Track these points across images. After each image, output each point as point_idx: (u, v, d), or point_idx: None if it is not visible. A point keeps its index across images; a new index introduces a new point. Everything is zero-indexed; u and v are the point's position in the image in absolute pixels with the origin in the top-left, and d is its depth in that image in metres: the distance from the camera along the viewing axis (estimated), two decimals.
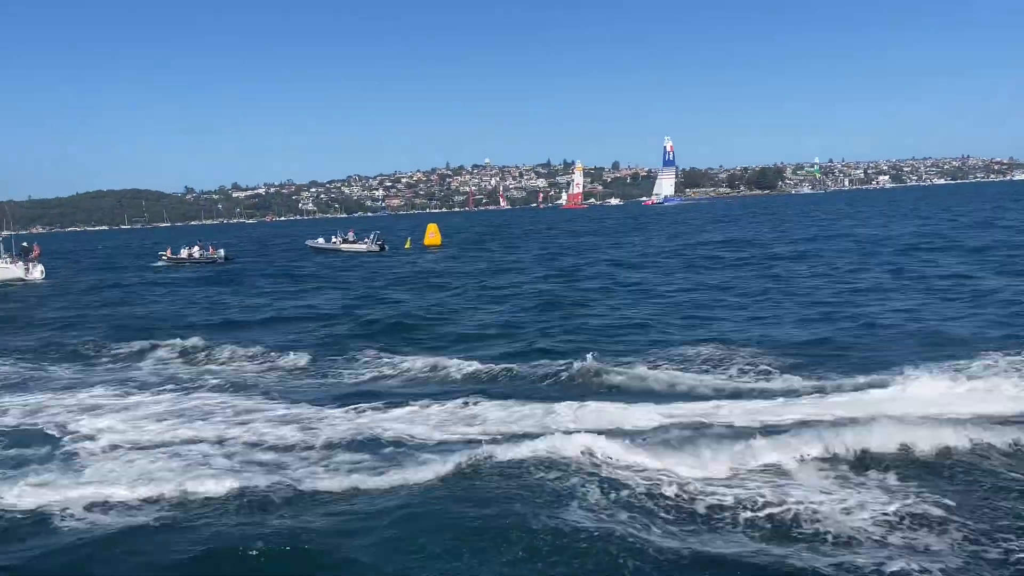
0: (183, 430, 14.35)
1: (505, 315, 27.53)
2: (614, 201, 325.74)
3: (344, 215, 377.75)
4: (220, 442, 13.56)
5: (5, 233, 56.82)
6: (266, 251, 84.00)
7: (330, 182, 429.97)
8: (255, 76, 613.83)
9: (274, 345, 22.75)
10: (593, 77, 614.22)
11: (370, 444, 13.22)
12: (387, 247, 70.30)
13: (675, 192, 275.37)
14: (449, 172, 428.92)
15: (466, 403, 15.41)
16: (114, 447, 13.48)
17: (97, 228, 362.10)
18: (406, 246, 76.29)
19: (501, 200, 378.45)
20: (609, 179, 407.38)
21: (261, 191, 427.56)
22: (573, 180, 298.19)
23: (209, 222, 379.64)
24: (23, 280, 51.05)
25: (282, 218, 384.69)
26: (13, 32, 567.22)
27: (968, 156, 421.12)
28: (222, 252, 66.05)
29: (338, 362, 20.43)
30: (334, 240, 71.15)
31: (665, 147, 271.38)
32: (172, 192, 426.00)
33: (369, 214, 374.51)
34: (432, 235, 77.82)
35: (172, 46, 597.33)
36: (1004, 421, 12.57)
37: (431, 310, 29.47)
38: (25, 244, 56.27)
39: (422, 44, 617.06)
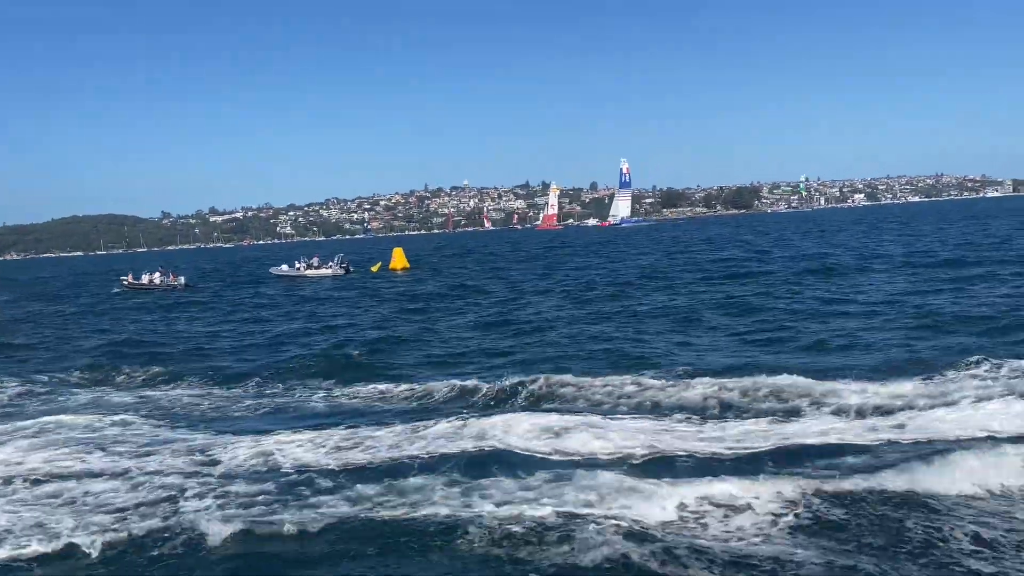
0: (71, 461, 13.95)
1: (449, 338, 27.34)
2: (592, 221, 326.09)
3: (323, 238, 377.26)
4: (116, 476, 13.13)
5: None
6: (236, 276, 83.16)
7: (308, 205, 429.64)
8: (232, 100, 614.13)
9: (196, 372, 22.43)
10: (571, 97, 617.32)
11: (271, 474, 12.93)
12: (352, 269, 69.84)
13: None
14: (428, 194, 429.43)
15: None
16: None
17: (73, 254, 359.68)
18: (373, 269, 75.85)
19: (486, 221, 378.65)
20: (587, 199, 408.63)
21: (239, 215, 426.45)
22: (548, 202, 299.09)
23: (186, 247, 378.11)
24: None
25: (260, 242, 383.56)
26: None
27: (942, 174, 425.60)
28: (182, 279, 65.29)
29: (249, 390, 20.31)
30: (298, 266, 70.09)
31: (621, 169, 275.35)
32: (149, 217, 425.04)
33: (347, 237, 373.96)
34: (398, 259, 77.48)
35: (146, 70, 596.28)
36: None
37: (373, 335, 29.14)
38: None
39: (400, 66, 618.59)
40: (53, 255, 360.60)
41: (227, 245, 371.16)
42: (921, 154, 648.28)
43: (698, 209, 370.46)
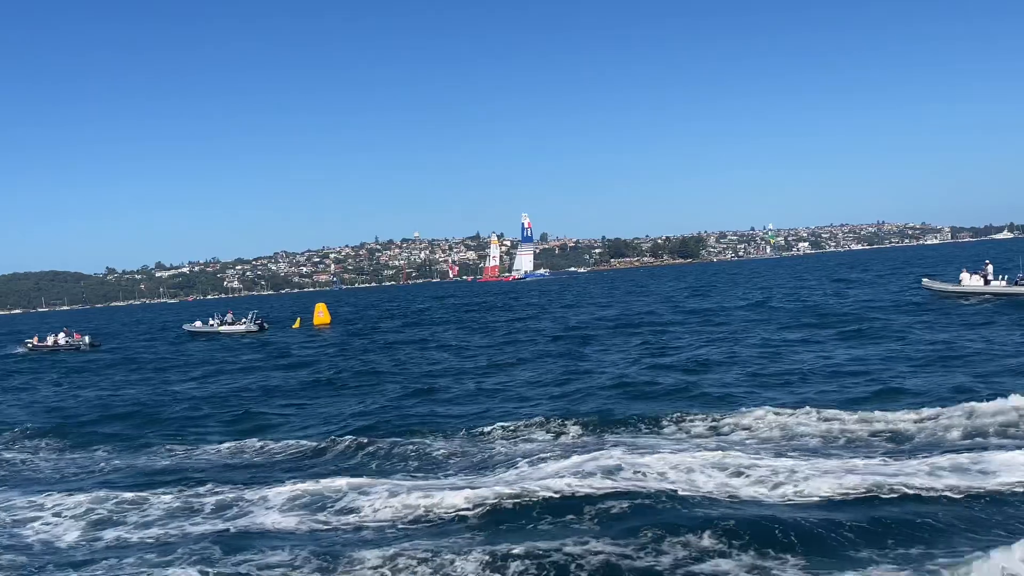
0: None
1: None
2: (542, 271, 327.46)
3: (271, 292, 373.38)
4: None
5: None
6: (156, 335, 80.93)
7: (256, 259, 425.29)
8: (180, 153, 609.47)
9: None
10: (520, 147, 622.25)
11: None
12: (267, 326, 68.49)
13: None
14: (378, 246, 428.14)
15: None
16: None
17: (12, 312, 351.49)
18: (294, 326, 74.46)
19: (451, 272, 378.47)
20: (538, 250, 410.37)
21: (185, 270, 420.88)
22: (490, 253, 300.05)
23: (133, 302, 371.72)
24: None
25: (208, 296, 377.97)
26: None
27: (883, 221, 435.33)
28: (87, 339, 63.43)
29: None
30: (211, 322, 68.91)
31: (523, 223, 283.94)
32: (93, 273, 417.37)
33: (296, 290, 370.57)
34: (321, 314, 76.14)
35: (91, 123, 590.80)
36: None
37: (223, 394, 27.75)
38: None
39: (346, 117, 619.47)
40: None
41: (172, 301, 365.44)
42: (863, 202, 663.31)
43: (645, 259, 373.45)
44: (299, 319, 79.13)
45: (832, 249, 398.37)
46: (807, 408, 18.32)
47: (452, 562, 10.32)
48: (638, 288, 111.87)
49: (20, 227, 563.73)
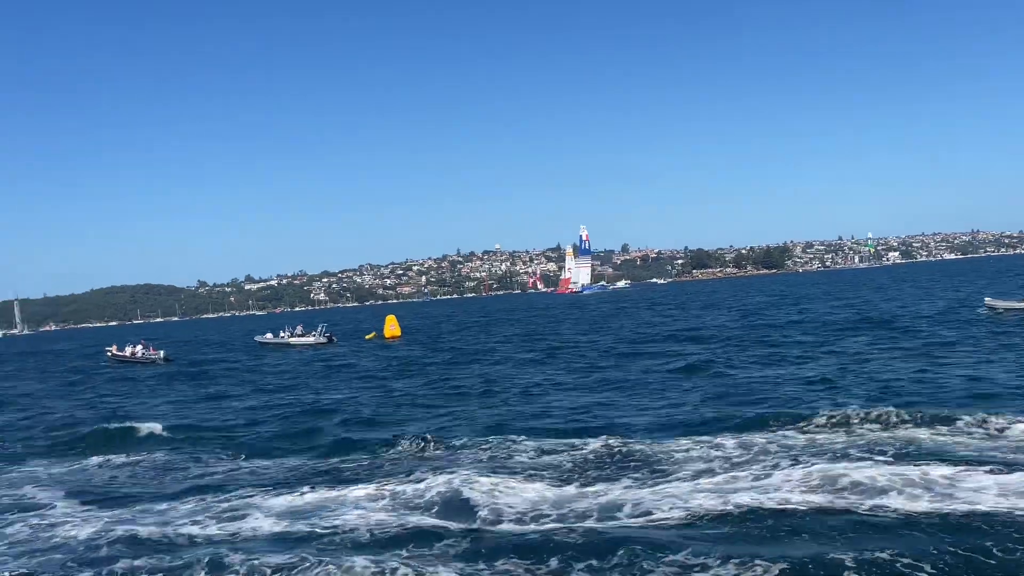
0: None
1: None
2: (622, 284, 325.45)
3: (356, 304, 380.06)
4: None
5: None
6: (229, 347, 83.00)
7: (342, 271, 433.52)
8: (268, 169, 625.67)
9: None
10: (600, 158, 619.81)
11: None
12: (335, 339, 69.78)
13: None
14: (460, 258, 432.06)
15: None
16: None
17: (109, 324, 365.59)
18: (367, 337, 75.52)
19: (539, 284, 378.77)
20: (619, 261, 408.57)
21: (273, 283, 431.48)
22: (566, 266, 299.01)
23: (220, 315, 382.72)
24: None
25: (295, 308, 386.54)
26: (23, 133, 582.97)
27: (978, 230, 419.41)
28: (162, 353, 65.35)
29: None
30: (282, 335, 70.61)
31: (581, 236, 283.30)
32: (185, 286, 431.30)
33: (380, 302, 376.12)
34: (392, 327, 77.10)
35: (183, 141, 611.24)
36: None
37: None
38: None
39: (431, 127, 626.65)
40: (91, 325, 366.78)
41: (261, 313, 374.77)
42: (956, 211, 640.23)
43: (728, 269, 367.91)
44: (374, 332, 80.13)
45: (923, 259, 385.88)
46: None
47: None
48: (729, 300, 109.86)
49: (119, 242, 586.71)
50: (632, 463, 16.70)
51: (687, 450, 17.37)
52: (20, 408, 37.46)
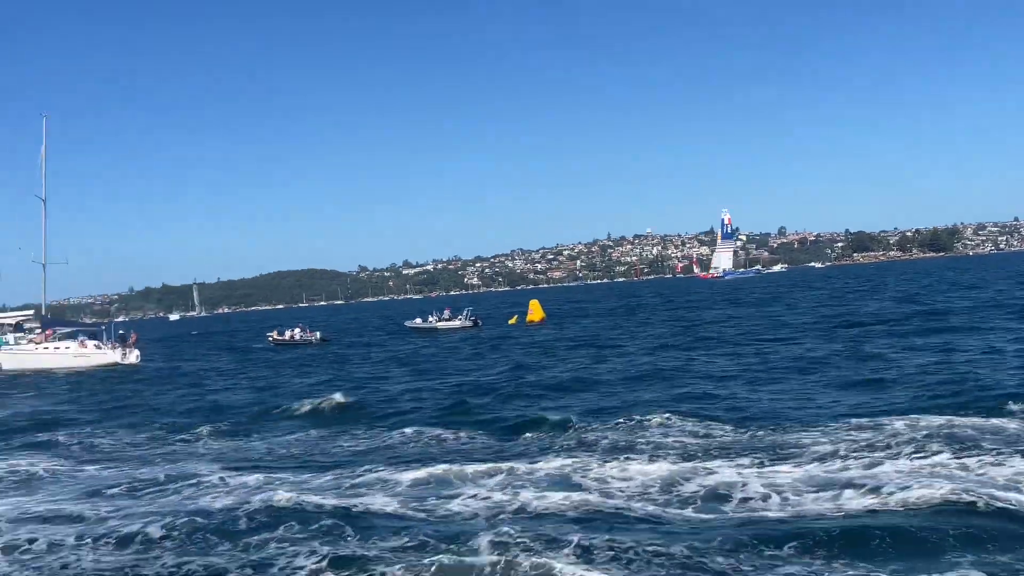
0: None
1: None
2: (777, 268, 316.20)
3: (508, 288, 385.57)
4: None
5: (104, 320, 61.35)
6: (382, 331, 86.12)
7: (495, 256, 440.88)
8: (424, 159, 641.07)
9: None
10: (756, 140, 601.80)
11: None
12: (480, 323, 71.61)
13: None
14: (610, 243, 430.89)
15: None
16: None
17: (276, 307, 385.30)
18: (510, 322, 76.93)
19: (695, 267, 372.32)
20: (775, 245, 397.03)
21: (429, 267, 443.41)
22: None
23: (379, 298, 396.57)
24: (119, 364, 54.88)
25: (450, 292, 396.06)
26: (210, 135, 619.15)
27: None
28: (318, 334, 69.06)
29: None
30: (430, 319, 73.01)
31: (723, 219, 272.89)
32: (347, 271, 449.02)
33: (531, 286, 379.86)
34: (535, 311, 78.21)
35: (343, 134, 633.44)
36: None
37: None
38: (122, 332, 60.73)
39: (581, 111, 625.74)
40: (260, 308, 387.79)
41: (417, 296, 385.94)
42: None
43: (892, 253, 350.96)
44: (515, 316, 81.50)
45: None
46: None
47: None
48: (905, 284, 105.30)
49: (286, 229, 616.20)
50: (764, 447, 16.81)
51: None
52: (188, 385, 40.45)
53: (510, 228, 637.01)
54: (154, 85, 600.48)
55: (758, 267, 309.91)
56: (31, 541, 13.26)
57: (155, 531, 13.39)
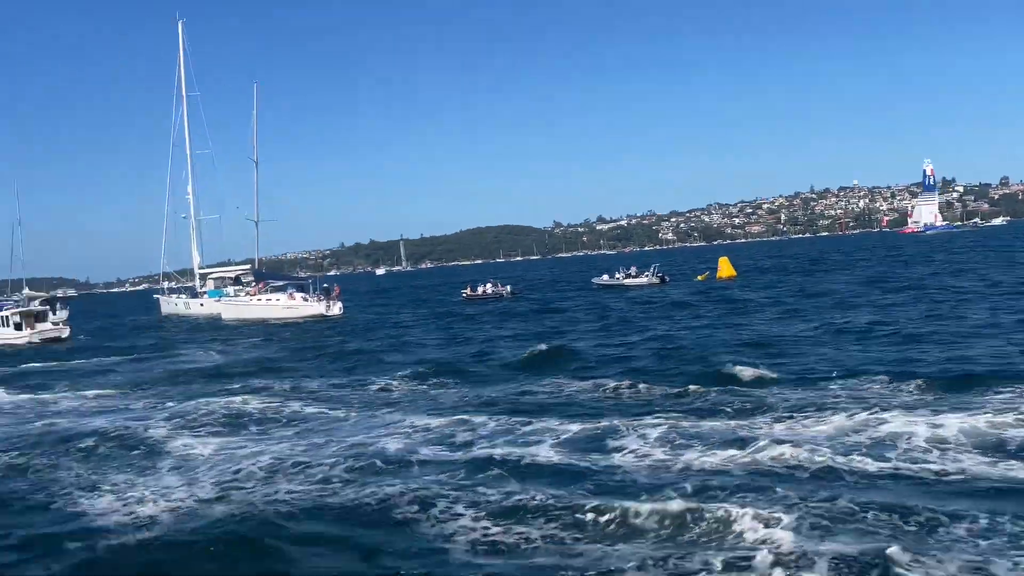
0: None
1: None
2: (998, 220, 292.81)
3: (703, 243, 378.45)
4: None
5: (309, 274, 65.96)
6: (571, 286, 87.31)
7: (690, 211, 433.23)
8: (615, 116, 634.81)
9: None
10: (974, 80, 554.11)
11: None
12: (667, 279, 71.40)
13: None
14: (813, 195, 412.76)
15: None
16: None
17: (475, 262, 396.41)
18: (699, 278, 76.12)
19: (883, 222, 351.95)
20: (996, 196, 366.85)
21: (623, 223, 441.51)
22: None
23: (573, 253, 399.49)
24: (324, 316, 58.96)
25: (643, 248, 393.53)
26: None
27: None
28: (508, 288, 71.27)
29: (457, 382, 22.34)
30: (617, 275, 73.63)
31: (925, 170, 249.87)
32: (542, 227, 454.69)
33: (727, 241, 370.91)
34: (725, 268, 76.99)
35: (547, 85, 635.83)
36: None
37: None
38: (326, 285, 64.85)
39: (784, 60, 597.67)
40: (460, 263, 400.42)
41: (611, 252, 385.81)
42: None
43: None
44: (705, 272, 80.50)
45: None
46: None
47: None
48: None
49: (485, 187, 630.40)
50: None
51: None
52: (385, 336, 43.11)
53: (706, 182, 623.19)
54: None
55: (976, 220, 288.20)
56: (236, 472, 15.15)
57: (340, 467, 14.94)
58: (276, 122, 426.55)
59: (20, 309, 57.78)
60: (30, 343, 54.07)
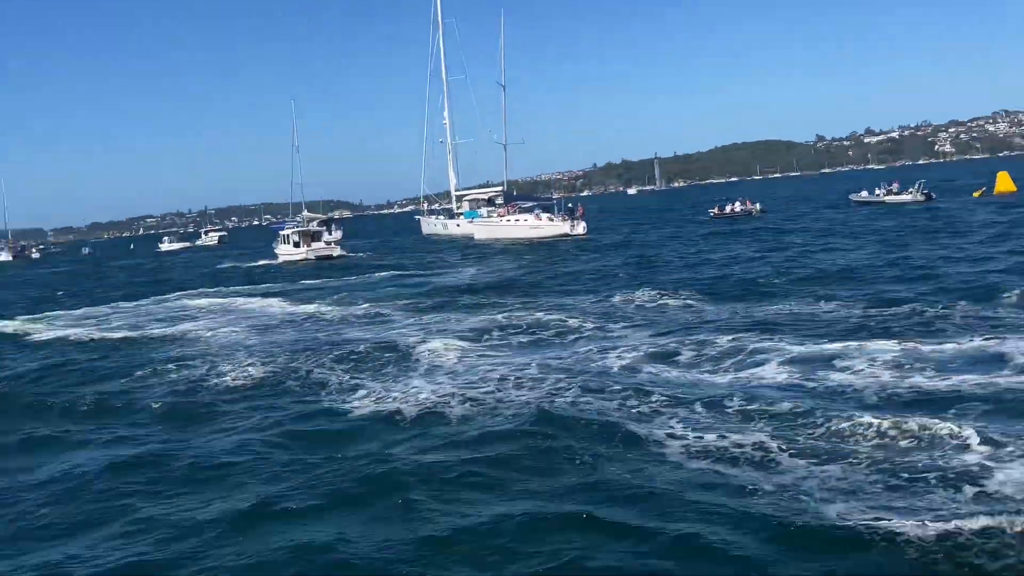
0: None
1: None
2: None
3: (987, 155, 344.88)
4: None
5: (557, 196, 68.00)
6: (825, 204, 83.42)
7: (972, 120, 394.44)
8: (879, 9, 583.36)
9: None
10: None
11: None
12: (933, 196, 66.73)
13: None
14: None
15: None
16: None
17: (730, 180, 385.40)
18: (975, 195, 70.41)
19: None
20: None
21: (895, 134, 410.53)
22: None
23: (838, 169, 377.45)
24: (568, 235, 60.68)
25: (917, 162, 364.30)
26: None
27: None
28: (758, 206, 69.82)
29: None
30: (877, 192, 70.34)
31: None
32: (803, 141, 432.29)
33: (1016, 152, 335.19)
34: (1002, 183, 70.64)
35: None
36: None
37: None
38: (570, 205, 66.46)
39: None
40: (714, 182, 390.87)
41: (879, 167, 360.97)
42: None
43: None
44: (981, 188, 74.26)
45: None
46: None
47: None
48: None
49: (743, 99, 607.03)
50: None
51: None
52: (624, 254, 43.80)
53: (991, 86, 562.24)
54: None
55: None
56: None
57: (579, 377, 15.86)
58: (528, 47, 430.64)
59: (299, 229, 63.98)
60: (306, 259, 59.95)
